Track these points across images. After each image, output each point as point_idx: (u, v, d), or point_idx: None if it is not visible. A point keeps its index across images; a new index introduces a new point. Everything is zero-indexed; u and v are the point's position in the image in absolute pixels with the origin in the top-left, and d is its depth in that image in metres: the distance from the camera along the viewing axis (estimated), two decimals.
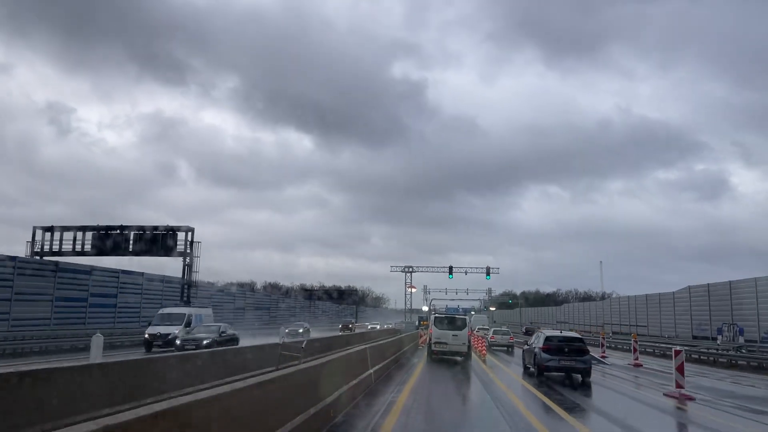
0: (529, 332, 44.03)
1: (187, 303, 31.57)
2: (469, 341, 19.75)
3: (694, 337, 30.76)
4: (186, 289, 32.53)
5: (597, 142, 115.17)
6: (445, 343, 19.03)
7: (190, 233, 32.15)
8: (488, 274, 57.91)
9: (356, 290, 68.08)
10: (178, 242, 31.73)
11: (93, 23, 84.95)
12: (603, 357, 22.39)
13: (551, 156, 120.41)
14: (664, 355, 23.91)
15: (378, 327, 49.93)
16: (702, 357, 22.97)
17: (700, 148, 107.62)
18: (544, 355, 14.09)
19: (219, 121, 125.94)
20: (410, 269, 60.98)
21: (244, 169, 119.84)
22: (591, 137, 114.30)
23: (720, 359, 21.85)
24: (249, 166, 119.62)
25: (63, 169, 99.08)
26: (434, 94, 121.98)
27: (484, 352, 21.73)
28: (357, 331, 40.27)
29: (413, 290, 62.15)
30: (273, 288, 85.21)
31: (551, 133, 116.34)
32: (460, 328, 19.35)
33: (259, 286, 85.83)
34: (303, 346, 10.98)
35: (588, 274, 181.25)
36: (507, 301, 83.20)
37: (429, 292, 69.96)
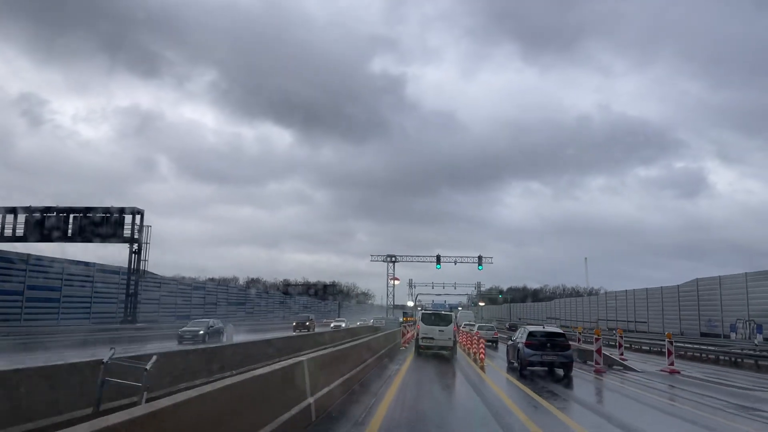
0: (512, 328, 45.27)
1: (134, 298, 28.63)
2: (455, 336, 20.86)
3: (703, 335, 28.18)
4: (134, 283, 29.14)
5: (577, 138, 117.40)
6: (432, 338, 19.99)
7: (138, 216, 28.98)
8: (480, 263, 53.29)
9: (338, 285, 64.80)
10: (126, 226, 28.68)
11: (66, 13, 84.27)
12: (623, 359, 18.15)
13: (532, 152, 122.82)
14: (693, 358, 21.44)
15: (343, 325, 40.82)
16: (722, 357, 20.32)
17: (678, 145, 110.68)
18: (527, 351, 14.41)
19: (198, 115, 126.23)
20: (393, 259, 55.77)
21: (225, 164, 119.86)
22: (571, 134, 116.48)
23: (743, 359, 19.07)
24: (229, 161, 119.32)
25: (36, 162, 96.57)
26: (415, 89, 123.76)
27: (483, 356, 16.58)
28: (321, 330, 32.90)
29: (396, 282, 56.90)
30: (254, 283, 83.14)
31: (532, 129, 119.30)
32: (446, 324, 20.31)
33: (242, 282, 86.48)
34: (148, 368, 5.68)
35: (573, 271, 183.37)
36: (497, 296, 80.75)
37: (414, 287, 66.04)
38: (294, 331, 33.33)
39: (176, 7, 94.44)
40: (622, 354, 19.95)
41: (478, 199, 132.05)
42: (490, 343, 29.00)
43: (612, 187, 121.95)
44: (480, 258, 53.72)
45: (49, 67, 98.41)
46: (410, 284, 70.51)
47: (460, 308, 78.03)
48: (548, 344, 14.58)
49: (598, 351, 16.52)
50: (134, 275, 28.90)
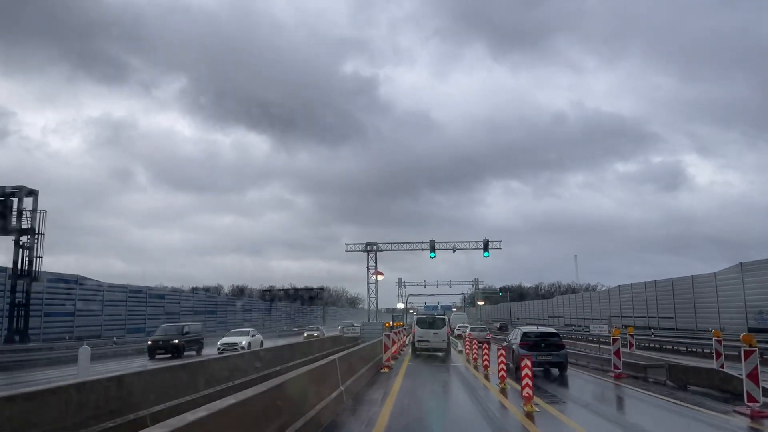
0: (503, 328, 47.78)
1: (25, 305, 23.34)
2: (448, 338, 23.92)
3: (752, 330, 23.01)
4: (24, 285, 23.04)
5: (553, 136, 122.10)
6: (427, 341, 22.84)
7: (32, 199, 23.71)
8: (486, 249, 44.30)
9: (327, 290, 62.12)
10: (13, 212, 23.52)
11: (26, 23, 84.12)
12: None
13: (509, 151, 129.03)
14: None
15: (316, 334, 37.32)
16: None
17: (654, 140, 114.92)
18: (522, 351, 14.87)
19: (171, 124, 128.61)
20: (373, 248, 46.05)
21: (202, 172, 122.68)
22: (547, 131, 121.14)
23: None
24: (206, 170, 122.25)
25: (7, 176, 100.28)
26: (388, 90, 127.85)
27: (503, 374, 12.84)
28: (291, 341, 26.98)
29: (380, 278, 48.06)
30: (239, 290, 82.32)
31: (507, 128, 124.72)
32: (440, 327, 23.21)
33: (227, 290, 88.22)
34: None
35: (561, 268, 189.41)
36: (493, 295, 77.24)
37: (404, 286, 61.09)
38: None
39: (141, 14, 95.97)
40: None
41: (458, 199, 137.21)
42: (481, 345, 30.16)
43: (591, 183, 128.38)
44: (486, 243, 44.36)
45: (11, 79, 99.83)
46: (399, 283, 67.62)
47: (454, 309, 77.94)
48: (542, 344, 15.62)
49: (617, 353, 15.21)
50: (24, 277, 23.01)
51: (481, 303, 73.64)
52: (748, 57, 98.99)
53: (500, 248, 45.81)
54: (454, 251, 46.10)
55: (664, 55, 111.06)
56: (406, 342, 25.57)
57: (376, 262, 47.35)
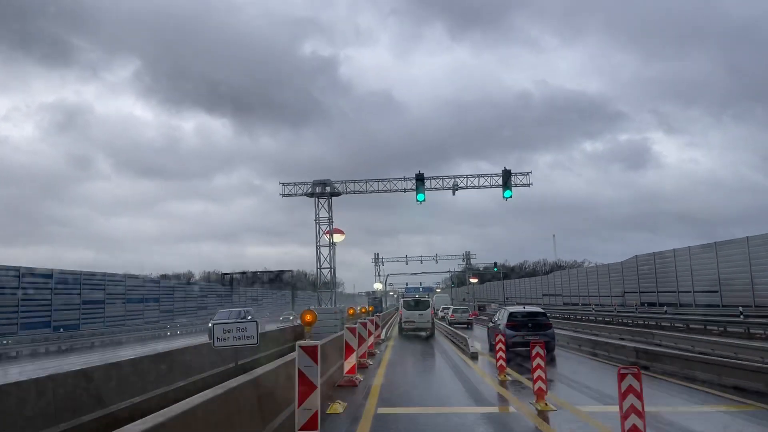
0: (481, 308, 51.77)
1: None
2: (433, 319, 27.95)
3: None
4: None
5: (519, 115, 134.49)
6: (413, 322, 27.10)
7: None
8: (507, 185, 32.73)
9: (289, 272, 59.97)
10: None
11: None
12: None
13: (477, 131, 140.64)
14: None
15: (291, 318, 38.37)
16: None
17: (620, 118, 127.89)
18: (509, 332, 16.32)
19: (130, 108, 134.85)
20: (326, 189, 34.64)
21: (166, 158, 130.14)
22: (512, 111, 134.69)
23: None
24: (170, 155, 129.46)
25: None
26: (351, 72, 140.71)
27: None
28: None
29: (338, 237, 36.03)
30: (206, 277, 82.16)
31: (473, 108, 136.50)
32: (425, 309, 27.62)
33: (198, 277, 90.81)
34: None
35: (538, 248, 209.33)
36: (490, 270, 77.28)
37: (382, 263, 58.82)
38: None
39: None
40: None
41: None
42: (464, 326, 33.70)
43: (560, 162, 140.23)
44: (507, 174, 32.59)
45: None
46: (376, 259, 65.54)
47: (438, 290, 78.88)
48: (529, 324, 16.74)
49: None
50: None
51: (474, 280, 72.56)
52: (708, 34, 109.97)
53: (529, 184, 34.10)
54: (455, 192, 34.11)
55: (623, 33, 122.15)
56: (382, 336, 24.10)
57: (331, 216, 35.14)
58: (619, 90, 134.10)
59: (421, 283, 74.85)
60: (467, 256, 70.02)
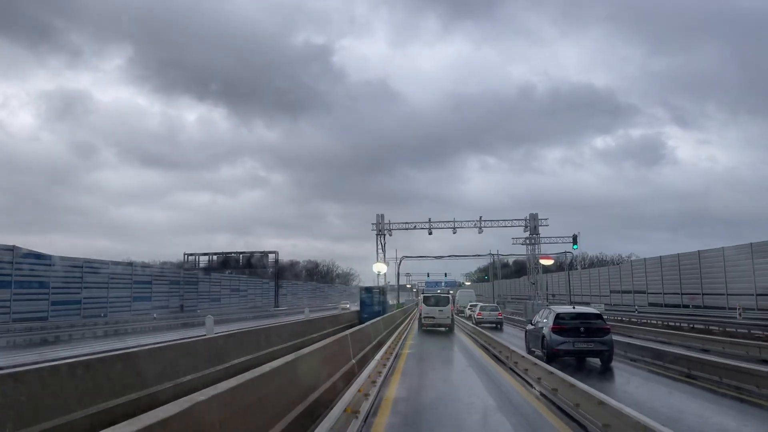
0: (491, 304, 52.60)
1: None
2: (452, 315, 33.79)
3: None
4: None
5: (524, 108, 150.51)
6: (433, 317, 32.27)
7: None
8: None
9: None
10: None
11: None
12: None
13: (480, 125, 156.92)
14: None
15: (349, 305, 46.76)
16: None
17: (633, 113, 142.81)
18: (556, 337, 15.79)
19: (130, 98, 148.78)
20: (382, 227, 58.05)
21: (170, 148, 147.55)
22: (515, 104, 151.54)
23: None
24: (173, 145, 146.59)
25: None
26: (349, 63, 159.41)
27: None
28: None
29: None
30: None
31: (476, 102, 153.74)
32: (445, 305, 32.97)
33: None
34: None
35: (558, 246, 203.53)
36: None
37: (389, 230, 55.25)
38: None
39: None
40: None
41: (437, 175, 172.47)
42: (493, 325, 35.97)
43: (570, 158, 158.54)
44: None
45: None
46: (380, 227, 55.02)
47: (468, 283, 79.25)
48: (581, 328, 15.82)
49: None
50: None
51: (548, 261, 60.70)
52: (717, 26, 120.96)
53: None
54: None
55: (628, 24, 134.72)
56: (396, 350, 20.35)
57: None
58: (626, 84, 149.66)
59: (446, 274, 79.88)
60: (534, 219, 54.63)
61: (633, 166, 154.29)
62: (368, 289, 44.04)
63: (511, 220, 55.71)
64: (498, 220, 55.88)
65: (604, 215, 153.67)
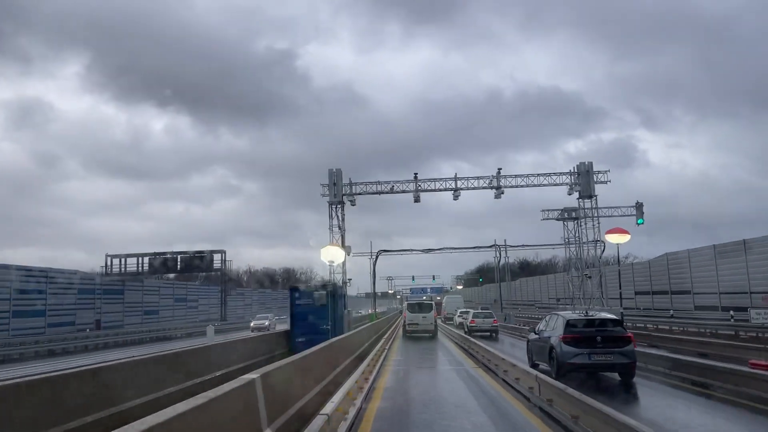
0: (484, 309, 51.81)
1: None
2: (436, 321, 37.34)
3: None
4: None
5: (493, 113, 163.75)
6: (417, 324, 35.73)
7: None
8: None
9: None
10: None
11: None
12: None
13: (451, 131, 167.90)
14: None
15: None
16: None
17: (602, 117, 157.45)
18: (568, 349, 14.77)
19: (89, 107, 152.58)
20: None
21: (138, 158, 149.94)
22: (485, 109, 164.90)
23: None
24: (141, 154, 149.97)
25: None
26: (316, 71, 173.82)
27: None
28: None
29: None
30: None
31: (446, 108, 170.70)
32: (428, 312, 36.45)
33: None
34: None
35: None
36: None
37: (351, 199, 40.79)
38: None
39: None
40: None
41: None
42: (487, 334, 36.48)
43: (543, 163, 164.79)
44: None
45: None
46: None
47: (458, 287, 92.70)
48: (598, 337, 14.79)
49: None
50: None
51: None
52: (680, 29, 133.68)
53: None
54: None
55: (591, 29, 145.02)
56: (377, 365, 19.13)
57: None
58: (596, 88, 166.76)
59: (433, 277, 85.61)
60: (587, 172, 39.88)
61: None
62: (304, 293, 26.80)
63: (548, 174, 40.36)
64: (524, 176, 40.70)
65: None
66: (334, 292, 27.49)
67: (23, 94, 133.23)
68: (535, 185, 40.25)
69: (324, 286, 27.99)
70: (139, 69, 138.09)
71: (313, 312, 25.43)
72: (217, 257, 55.28)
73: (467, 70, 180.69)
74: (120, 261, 51.17)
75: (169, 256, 53.43)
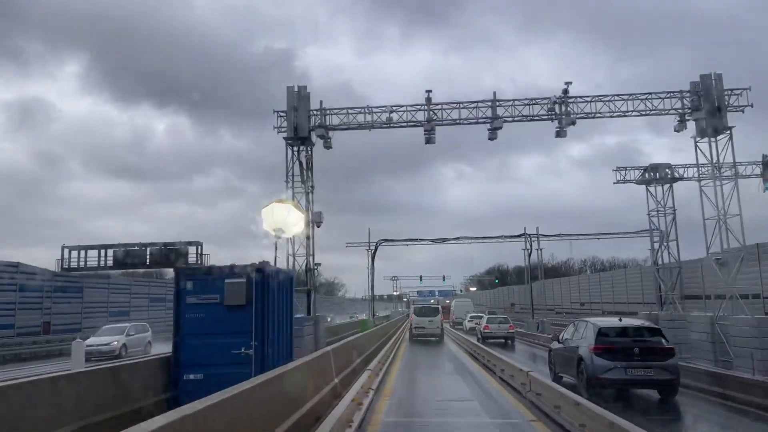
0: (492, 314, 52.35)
1: None
2: (442, 325, 41.95)
3: None
4: None
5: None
6: (423, 327, 40.27)
7: None
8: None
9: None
10: None
11: None
12: None
13: (453, 133, 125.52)
14: None
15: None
16: None
17: (604, 120, 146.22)
18: (600, 361, 13.83)
19: (96, 108, 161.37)
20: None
21: (142, 158, 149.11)
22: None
23: None
24: (144, 155, 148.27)
25: None
26: (319, 73, 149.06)
27: None
28: None
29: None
30: None
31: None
32: (435, 315, 41.05)
33: None
34: None
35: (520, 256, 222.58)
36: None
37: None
38: None
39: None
40: None
41: (415, 185, 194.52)
42: (503, 340, 36.55)
43: (546, 166, 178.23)
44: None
45: None
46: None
47: (472, 289, 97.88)
48: (635, 348, 13.84)
49: None
50: None
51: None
52: (682, 32, 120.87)
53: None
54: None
55: (591, 32, 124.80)
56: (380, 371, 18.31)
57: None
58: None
59: (443, 277, 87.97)
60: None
61: (608, 172, 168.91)
62: (205, 283, 13.29)
63: (647, 94, 28.88)
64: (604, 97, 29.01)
65: (588, 223, 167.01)
66: (268, 283, 13.65)
67: (22, 94, 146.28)
68: (621, 114, 28.13)
69: (246, 270, 13.45)
70: (137, 70, 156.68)
71: (221, 320, 13.07)
72: (192, 250, 47.35)
73: (467, 73, 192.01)
74: (78, 254, 45.44)
75: (136, 248, 47.20)
